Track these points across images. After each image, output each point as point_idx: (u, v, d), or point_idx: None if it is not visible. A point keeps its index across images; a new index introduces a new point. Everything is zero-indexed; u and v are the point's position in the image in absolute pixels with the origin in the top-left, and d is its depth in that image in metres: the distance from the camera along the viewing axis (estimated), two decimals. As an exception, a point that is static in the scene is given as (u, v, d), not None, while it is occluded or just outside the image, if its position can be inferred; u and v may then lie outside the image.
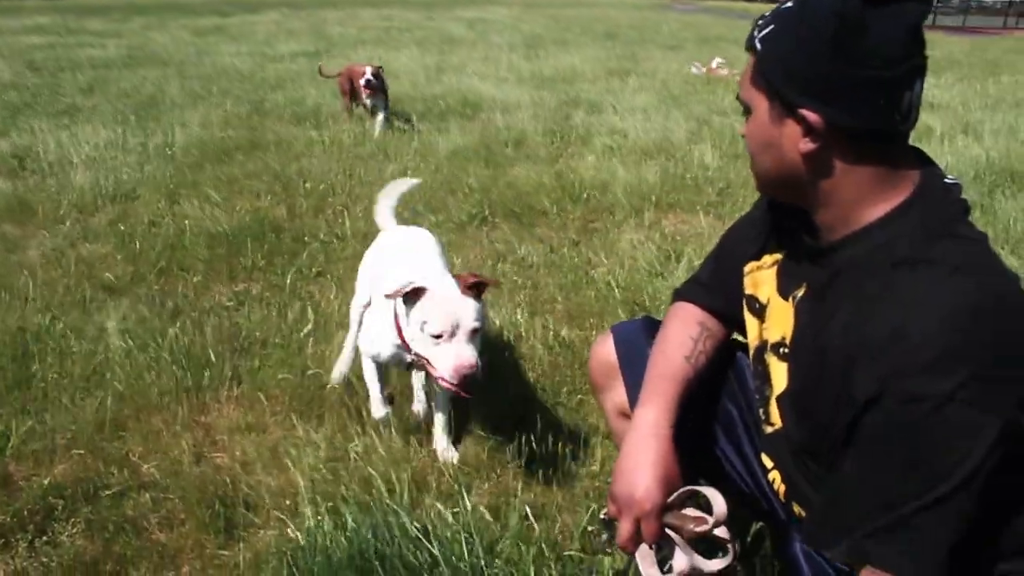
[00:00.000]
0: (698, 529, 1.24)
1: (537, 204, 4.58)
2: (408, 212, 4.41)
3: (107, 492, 2.13)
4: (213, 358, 2.74)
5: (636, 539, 1.28)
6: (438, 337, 1.86)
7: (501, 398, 2.51)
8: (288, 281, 3.48)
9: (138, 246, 3.86)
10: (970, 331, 1.01)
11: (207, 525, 2.00)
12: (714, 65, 10.52)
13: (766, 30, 1.13)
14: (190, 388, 2.60)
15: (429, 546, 1.77)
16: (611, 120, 7.05)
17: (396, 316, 2.06)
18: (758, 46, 1.14)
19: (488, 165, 5.47)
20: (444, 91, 8.43)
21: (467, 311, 1.88)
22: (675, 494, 1.28)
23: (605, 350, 1.59)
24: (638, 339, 1.50)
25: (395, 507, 1.91)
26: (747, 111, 1.18)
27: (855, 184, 1.13)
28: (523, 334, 2.96)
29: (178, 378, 2.63)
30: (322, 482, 2.12)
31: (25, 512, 2.05)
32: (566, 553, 1.82)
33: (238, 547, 1.93)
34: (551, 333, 2.95)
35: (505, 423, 2.39)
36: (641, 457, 1.29)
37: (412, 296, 1.92)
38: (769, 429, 1.35)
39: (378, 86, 6.56)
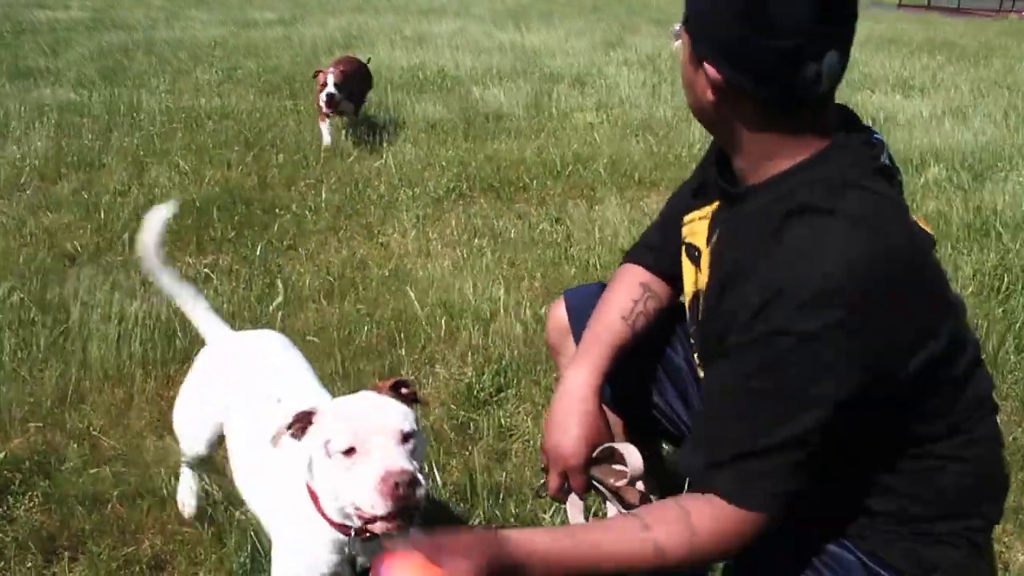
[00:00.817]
0: (617, 483, 1.32)
1: (517, 179, 4.52)
2: (386, 188, 4.34)
3: (66, 466, 2.07)
4: (179, 331, 2.66)
5: (567, 490, 1.36)
6: (350, 453, 1.25)
7: (474, 374, 2.47)
8: (258, 254, 3.39)
9: (103, 216, 3.75)
10: (852, 278, 1.02)
11: (168, 500, 1.95)
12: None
13: None
14: (155, 361, 2.53)
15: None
16: (595, 95, 6.97)
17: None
18: None
19: (467, 139, 5.38)
20: (422, 62, 8.29)
21: (386, 411, 1.31)
22: (598, 449, 1.34)
23: (559, 313, 1.64)
24: (589, 302, 1.54)
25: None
26: (682, 45, 1.22)
27: (759, 142, 1.15)
28: (500, 310, 2.92)
29: (143, 351, 2.56)
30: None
31: (-20, 486, 1.98)
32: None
33: (200, 523, 1.88)
34: (527, 309, 2.91)
35: (478, 399, 2.35)
36: (568, 416, 1.35)
37: (300, 423, 1.33)
38: (702, 374, 1.39)
39: (341, 100, 5.04)
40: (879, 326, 1.04)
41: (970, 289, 3.15)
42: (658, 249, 1.52)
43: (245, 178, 4.40)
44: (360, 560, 1.43)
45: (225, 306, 2.90)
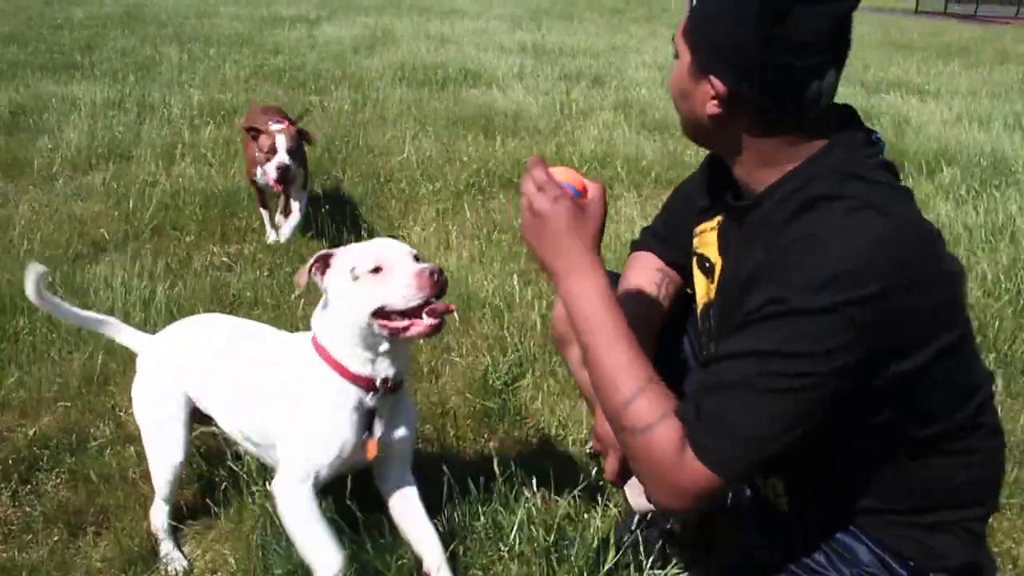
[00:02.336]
0: None
1: (535, 176, 4.55)
2: (407, 183, 4.38)
3: (92, 444, 2.13)
4: (203, 316, 2.72)
5: (623, 474, 1.31)
6: (377, 271, 1.50)
7: (491, 365, 2.50)
8: (281, 243, 3.45)
9: (131, 205, 3.83)
10: (868, 260, 1.04)
11: (191, 481, 2.00)
12: None
13: None
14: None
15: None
16: (613, 95, 6.98)
17: (318, 347, 1.60)
18: (695, 1, 1.20)
19: (487, 135, 5.42)
20: (444, 60, 8.34)
21: (395, 241, 1.59)
22: None
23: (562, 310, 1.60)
24: None
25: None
26: (676, 56, 1.22)
27: (758, 150, 1.18)
28: (516, 301, 2.95)
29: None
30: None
31: (10, 461, 2.05)
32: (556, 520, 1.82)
33: (222, 502, 1.93)
34: (544, 302, 2.94)
35: (495, 390, 2.38)
36: None
37: (319, 263, 1.57)
38: None
39: (291, 174, 3.28)
40: (891, 309, 1.05)
41: (982, 291, 3.14)
42: (666, 240, 1.55)
43: (270, 171, 4.46)
44: (379, 418, 1.59)
45: (248, 294, 2.97)
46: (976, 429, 1.21)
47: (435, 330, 1.49)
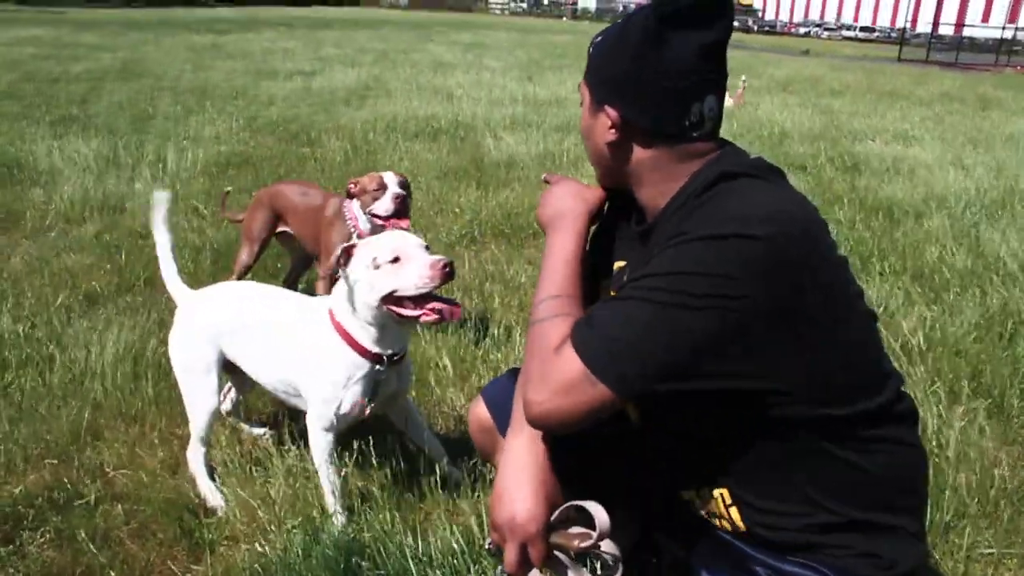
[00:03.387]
0: (583, 545, 1.21)
1: (527, 225, 4.59)
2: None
3: (79, 502, 2.09)
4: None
5: (525, 564, 1.23)
6: (395, 261, 1.81)
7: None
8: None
9: (123, 258, 3.83)
10: (762, 210, 1.13)
11: (179, 538, 1.97)
12: (740, 90, 10.34)
13: (599, 38, 1.33)
14: (169, 399, 2.57)
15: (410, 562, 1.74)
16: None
17: (335, 324, 1.94)
18: (591, 50, 1.33)
19: (479, 186, 5.48)
20: (436, 113, 8.48)
21: (411, 235, 1.89)
22: (557, 511, 1.24)
23: (480, 412, 1.57)
24: (507, 394, 1.43)
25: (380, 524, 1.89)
26: (582, 103, 1.36)
27: (659, 169, 1.28)
28: (515, 351, 2.95)
29: (156, 391, 2.60)
30: (293, 497, 2.08)
31: (-7, 521, 2.01)
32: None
33: (209, 561, 1.90)
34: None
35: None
36: (519, 480, 1.24)
37: (345, 254, 1.87)
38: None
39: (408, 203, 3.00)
40: (781, 254, 1.09)
41: (973, 336, 3.16)
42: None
43: (262, 223, 4.48)
44: (383, 390, 1.96)
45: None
46: (894, 420, 1.23)
47: (437, 322, 1.83)
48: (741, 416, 1.19)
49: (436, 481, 2.09)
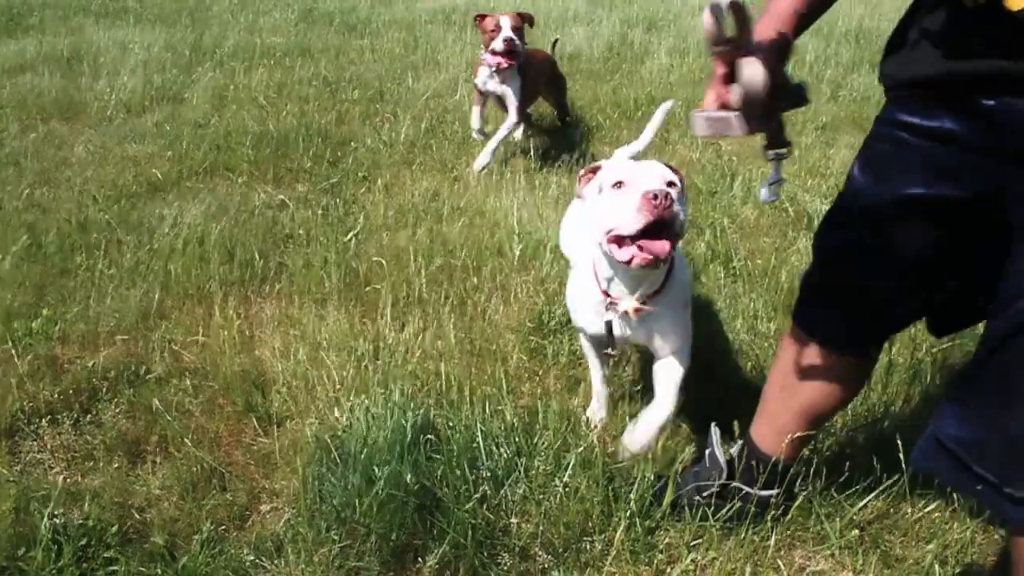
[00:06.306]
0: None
1: (591, 118, 4.41)
2: (460, 125, 4.29)
3: (150, 376, 2.14)
4: (256, 255, 2.71)
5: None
6: (618, 186, 1.49)
7: (546, 302, 2.43)
8: (333, 184, 3.41)
9: (184, 146, 3.82)
10: None
11: (247, 412, 1.99)
12: None
13: None
14: (234, 282, 2.58)
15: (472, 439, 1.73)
16: (669, 40, 6.71)
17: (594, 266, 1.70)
18: None
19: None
20: (496, 5, 8.12)
21: (656, 164, 1.56)
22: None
23: None
24: None
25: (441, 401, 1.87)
26: None
27: None
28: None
29: (222, 272, 2.61)
30: (358, 376, 2.08)
31: (71, 392, 2.06)
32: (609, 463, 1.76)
33: (275, 433, 1.92)
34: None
35: (550, 328, 2.32)
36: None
37: (589, 172, 1.64)
38: None
39: (517, 47, 3.45)
40: None
41: None
42: None
43: (322, 113, 4.42)
44: (616, 332, 1.67)
45: (299, 232, 2.94)
46: None
47: (651, 264, 1.45)
48: None
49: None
